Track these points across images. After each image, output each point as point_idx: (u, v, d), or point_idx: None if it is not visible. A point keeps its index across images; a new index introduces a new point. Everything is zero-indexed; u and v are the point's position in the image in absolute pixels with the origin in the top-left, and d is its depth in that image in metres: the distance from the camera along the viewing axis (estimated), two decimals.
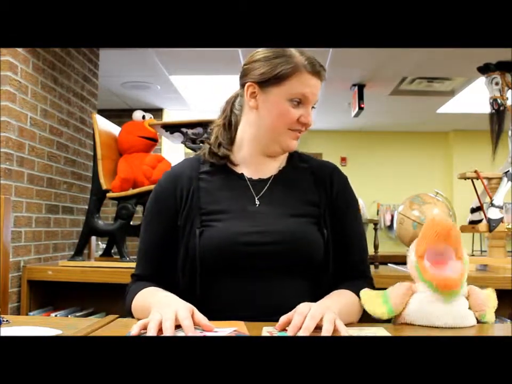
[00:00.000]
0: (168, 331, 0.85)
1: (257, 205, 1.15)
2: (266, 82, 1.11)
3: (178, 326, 0.88)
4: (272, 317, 1.02)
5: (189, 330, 0.86)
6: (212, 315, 0.96)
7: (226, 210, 1.13)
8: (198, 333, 0.88)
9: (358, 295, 1.13)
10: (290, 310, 0.96)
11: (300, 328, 0.89)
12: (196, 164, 1.21)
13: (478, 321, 1.08)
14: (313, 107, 1.15)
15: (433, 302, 1.06)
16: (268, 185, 1.18)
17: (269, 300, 1.09)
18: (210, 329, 0.90)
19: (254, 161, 1.19)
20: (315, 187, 1.19)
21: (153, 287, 1.12)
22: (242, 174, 1.19)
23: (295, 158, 1.24)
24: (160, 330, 0.86)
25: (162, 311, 0.90)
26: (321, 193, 1.18)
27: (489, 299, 1.10)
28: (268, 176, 1.19)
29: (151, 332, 0.85)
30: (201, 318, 0.92)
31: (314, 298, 1.03)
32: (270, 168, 1.20)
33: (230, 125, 1.21)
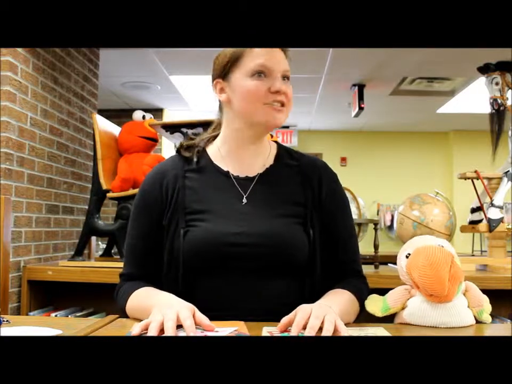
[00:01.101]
0: (170, 331, 0.85)
1: (242, 204, 1.14)
2: (227, 72, 1.13)
3: (179, 326, 0.88)
4: (257, 318, 1.02)
5: (190, 330, 0.86)
6: None
7: (211, 210, 1.12)
8: (199, 333, 0.88)
9: (355, 294, 1.13)
10: (275, 311, 0.96)
11: (303, 327, 0.88)
12: (181, 162, 1.20)
13: (476, 321, 1.08)
14: (286, 78, 1.13)
15: (430, 302, 1.06)
16: (253, 183, 1.17)
17: (253, 300, 1.08)
18: (211, 329, 0.90)
19: (240, 155, 1.18)
20: (302, 186, 1.18)
21: (148, 287, 1.12)
22: (228, 171, 1.18)
23: (283, 156, 1.23)
24: (161, 330, 0.86)
25: (164, 312, 0.90)
26: (308, 193, 1.17)
27: (485, 298, 1.11)
28: (254, 175, 1.18)
29: (152, 332, 0.85)
30: (202, 318, 0.92)
31: (300, 298, 1.01)
32: (256, 165, 1.19)
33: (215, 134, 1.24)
